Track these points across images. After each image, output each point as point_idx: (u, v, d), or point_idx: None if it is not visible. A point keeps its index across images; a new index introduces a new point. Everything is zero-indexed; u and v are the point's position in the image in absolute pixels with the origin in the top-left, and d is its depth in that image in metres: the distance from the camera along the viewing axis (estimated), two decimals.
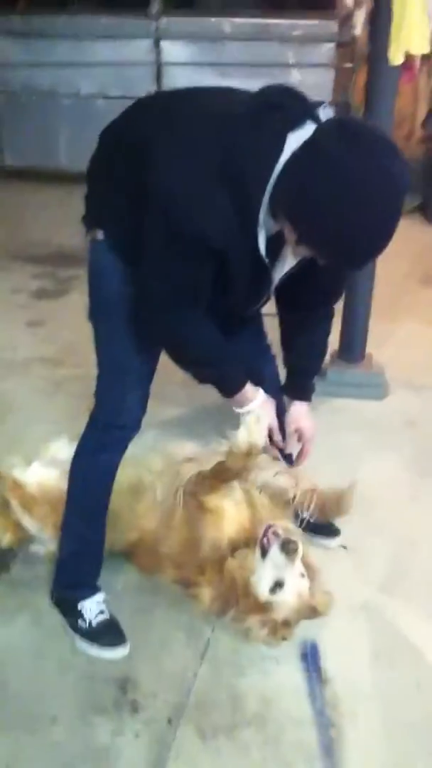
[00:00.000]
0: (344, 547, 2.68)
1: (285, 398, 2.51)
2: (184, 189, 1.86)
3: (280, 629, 2.24)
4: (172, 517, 2.44)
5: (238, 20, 6.61)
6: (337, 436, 3.32)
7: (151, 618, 2.43)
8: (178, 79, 6.75)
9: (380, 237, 1.79)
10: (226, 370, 2.23)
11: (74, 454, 2.38)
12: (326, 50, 6.58)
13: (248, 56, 6.60)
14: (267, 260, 1.98)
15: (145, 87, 6.74)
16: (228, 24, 6.62)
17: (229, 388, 2.26)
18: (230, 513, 2.38)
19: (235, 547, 2.32)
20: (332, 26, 6.45)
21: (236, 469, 2.32)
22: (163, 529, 2.46)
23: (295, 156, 1.77)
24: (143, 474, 2.53)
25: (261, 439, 2.30)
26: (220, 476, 2.36)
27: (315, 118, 1.79)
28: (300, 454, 2.54)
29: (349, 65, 6.61)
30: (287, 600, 2.21)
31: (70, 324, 4.29)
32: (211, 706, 2.16)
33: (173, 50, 6.76)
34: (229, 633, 2.35)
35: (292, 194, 1.80)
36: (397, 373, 3.84)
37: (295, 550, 2.20)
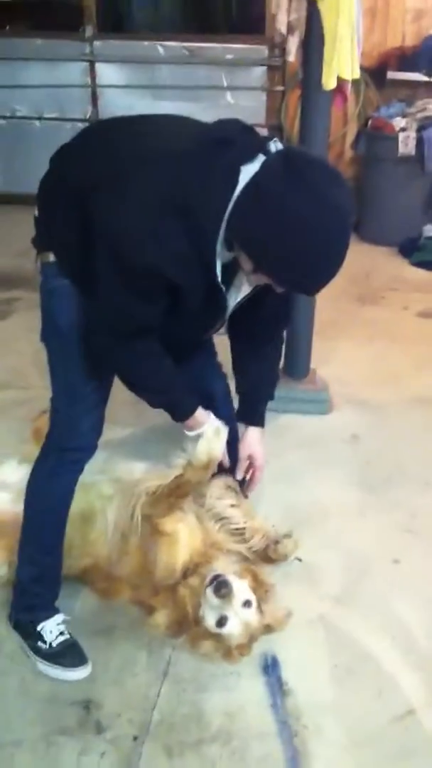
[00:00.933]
0: (299, 560, 2.72)
1: (238, 424, 2.56)
2: (133, 224, 1.87)
3: (235, 651, 2.27)
4: (127, 542, 2.46)
5: (170, 44, 6.73)
6: (284, 452, 3.37)
7: (112, 639, 2.43)
8: (113, 100, 6.82)
9: (329, 265, 1.88)
10: (177, 396, 2.29)
11: (29, 478, 2.36)
12: (258, 74, 6.77)
13: (181, 79, 6.73)
14: (223, 288, 2.02)
15: (81, 108, 6.82)
16: (161, 47, 6.73)
17: (181, 414, 2.32)
18: (184, 537, 2.41)
19: (187, 572, 2.35)
20: (263, 50, 6.66)
21: (194, 482, 2.36)
22: (117, 553, 2.48)
23: (243, 192, 1.83)
24: (94, 500, 2.54)
25: (220, 451, 2.35)
26: (177, 491, 2.39)
27: (266, 152, 1.86)
28: (251, 480, 2.59)
29: (280, 88, 6.78)
30: (234, 631, 2.24)
31: (14, 347, 4.27)
32: (175, 723, 2.17)
33: (107, 72, 6.82)
34: (190, 652, 2.36)
35: (243, 230, 1.86)
36: (340, 389, 3.93)
37: (227, 594, 2.22)
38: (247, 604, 2.27)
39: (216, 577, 2.25)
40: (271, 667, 2.35)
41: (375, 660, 2.39)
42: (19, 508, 2.39)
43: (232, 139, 1.89)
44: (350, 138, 6.76)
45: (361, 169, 6.72)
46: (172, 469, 2.45)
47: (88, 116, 6.83)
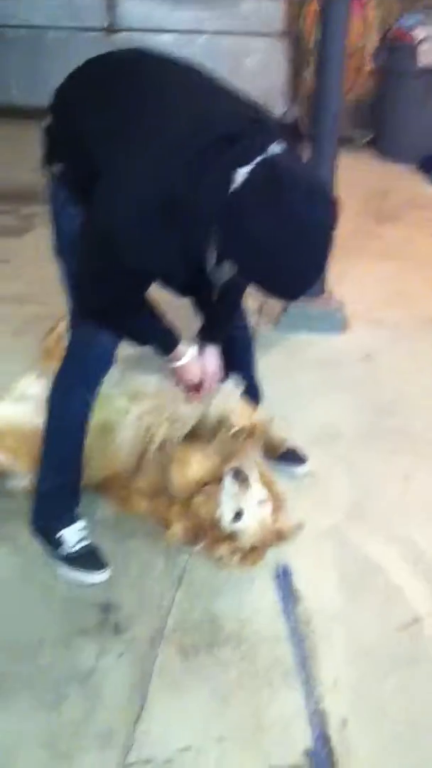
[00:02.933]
0: (312, 475, 2.79)
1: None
2: (132, 227, 1.89)
3: (250, 555, 2.35)
4: (143, 458, 2.52)
5: None
6: (297, 372, 3.41)
7: (130, 546, 2.51)
8: (130, 8, 6.63)
9: (293, 284, 1.90)
10: (159, 334, 2.29)
11: (50, 390, 2.40)
12: None
13: None
14: (213, 281, 2.07)
15: (97, 17, 6.61)
16: None
17: (164, 349, 2.33)
18: (196, 462, 2.46)
19: (202, 485, 2.41)
20: None
21: (207, 437, 2.39)
22: (134, 467, 2.54)
23: (225, 203, 1.81)
24: (111, 414, 2.58)
25: (236, 408, 2.39)
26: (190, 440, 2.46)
27: (264, 155, 1.82)
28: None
29: None
30: (249, 527, 2.31)
31: (35, 262, 4.24)
32: (189, 627, 2.26)
33: None
34: (205, 558, 2.44)
35: (220, 238, 1.88)
36: (356, 308, 3.93)
37: (246, 479, 2.31)
38: (262, 503, 2.35)
39: (234, 468, 2.33)
40: (282, 575, 2.43)
41: (383, 570, 2.47)
42: (40, 420, 2.44)
43: (237, 136, 1.86)
44: (370, 49, 6.58)
45: (380, 82, 6.55)
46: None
47: (104, 25, 6.66)
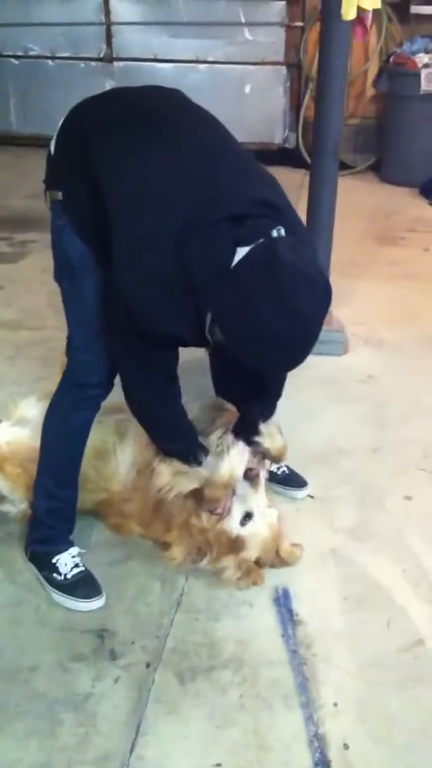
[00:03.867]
0: (311, 497, 2.75)
1: None
2: (147, 297, 1.95)
3: (252, 573, 2.34)
4: (138, 483, 2.50)
5: None
6: (300, 391, 3.37)
7: (126, 570, 2.48)
8: (129, 38, 6.69)
9: (285, 363, 1.97)
10: (189, 443, 2.33)
11: (47, 413, 2.39)
12: (277, 8, 6.61)
13: (198, 15, 6.59)
14: (210, 338, 2.06)
15: (95, 47, 6.69)
16: None
17: (190, 461, 2.33)
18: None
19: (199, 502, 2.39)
20: None
21: (211, 498, 2.35)
22: (129, 492, 2.52)
23: (221, 280, 1.85)
24: (107, 437, 2.57)
25: (242, 471, 2.37)
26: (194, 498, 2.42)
27: (266, 238, 1.85)
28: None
29: (299, 24, 6.63)
30: (258, 531, 2.32)
31: (29, 287, 4.30)
32: (188, 651, 2.22)
33: (122, 9, 6.70)
34: (203, 581, 2.42)
35: (214, 313, 1.93)
36: (357, 329, 3.93)
37: (257, 475, 2.34)
38: (269, 507, 2.39)
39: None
40: (282, 598, 2.39)
41: (385, 591, 2.42)
42: (37, 443, 2.42)
43: (244, 217, 1.90)
44: (372, 75, 6.62)
45: (382, 107, 6.61)
46: None
47: (102, 55, 6.72)
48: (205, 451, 2.34)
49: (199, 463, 2.31)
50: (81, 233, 2.14)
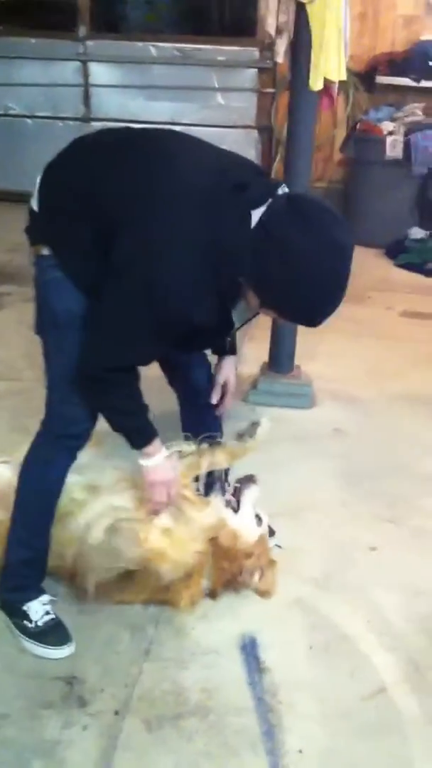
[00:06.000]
0: (279, 546, 2.80)
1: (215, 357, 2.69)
2: (181, 283, 1.97)
3: (267, 571, 2.59)
4: (117, 557, 2.46)
5: (163, 44, 6.81)
6: (268, 445, 3.42)
7: (95, 618, 2.50)
8: (106, 99, 6.90)
9: (333, 299, 2.01)
10: (142, 422, 2.28)
11: (23, 464, 2.40)
12: (249, 75, 6.85)
13: (173, 80, 6.81)
14: (236, 324, 2.17)
15: (73, 107, 6.90)
16: (153, 48, 6.82)
17: (143, 439, 2.30)
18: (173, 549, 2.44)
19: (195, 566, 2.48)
20: (254, 53, 6.75)
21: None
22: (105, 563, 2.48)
23: (251, 238, 1.95)
24: (66, 501, 2.50)
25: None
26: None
27: (273, 196, 1.98)
28: (221, 403, 2.72)
29: (270, 90, 6.87)
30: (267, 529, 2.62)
31: (5, 340, 4.34)
32: (155, 699, 2.24)
33: (100, 72, 6.91)
34: (172, 630, 2.46)
35: (253, 274, 1.99)
36: (324, 385, 4.02)
37: (251, 478, 2.67)
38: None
39: (246, 475, 2.71)
40: (249, 647, 2.43)
41: (350, 641, 2.47)
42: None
43: (247, 183, 2.01)
44: (339, 141, 6.85)
45: (349, 171, 6.82)
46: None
47: (80, 115, 6.94)
48: (153, 429, 2.31)
49: (151, 440, 2.30)
50: (77, 283, 2.14)
